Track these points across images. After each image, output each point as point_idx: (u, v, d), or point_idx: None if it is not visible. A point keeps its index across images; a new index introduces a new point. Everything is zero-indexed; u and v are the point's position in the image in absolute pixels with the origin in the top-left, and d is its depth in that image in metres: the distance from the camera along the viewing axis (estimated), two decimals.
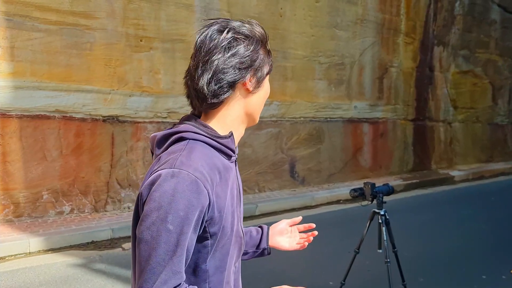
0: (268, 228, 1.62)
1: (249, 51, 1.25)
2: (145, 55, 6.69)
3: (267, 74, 1.31)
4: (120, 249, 5.37)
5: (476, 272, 4.58)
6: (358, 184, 8.85)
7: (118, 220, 6.12)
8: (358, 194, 3.40)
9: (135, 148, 6.71)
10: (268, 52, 1.31)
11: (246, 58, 1.24)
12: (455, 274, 4.54)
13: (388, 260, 3.17)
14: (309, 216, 7.04)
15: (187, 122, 1.27)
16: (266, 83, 1.33)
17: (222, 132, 1.28)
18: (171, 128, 1.27)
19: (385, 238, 3.22)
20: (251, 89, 1.28)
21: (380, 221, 3.29)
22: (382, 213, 3.29)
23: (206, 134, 1.24)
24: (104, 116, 6.43)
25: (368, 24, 9.35)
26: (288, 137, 8.32)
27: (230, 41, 1.24)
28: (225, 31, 1.25)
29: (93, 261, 4.93)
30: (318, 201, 7.82)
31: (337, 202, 7.95)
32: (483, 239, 5.76)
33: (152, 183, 1.15)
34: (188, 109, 1.37)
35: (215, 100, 1.24)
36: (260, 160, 7.96)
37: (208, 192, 1.15)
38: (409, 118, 10.46)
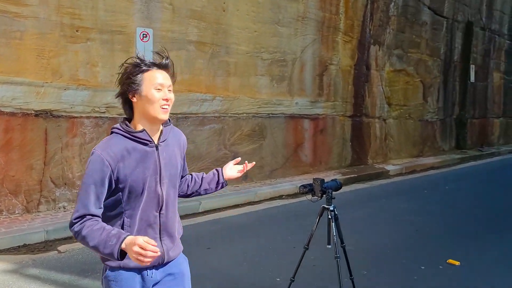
0: (221, 168, 2.32)
1: (125, 75, 1.92)
2: (82, 47, 6.34)
3: (147, 89, 1.89)
4: (56, 252, 5.05)
5: (415, 263, 4.77)
6: (299, 179, 8.97)
7: (52, 221, 5.76)
8: (307, 190, 3.40)
9: (71, 145, 6.35)
10: (153, 76, 1.91)
11: (124, 80, 1.92)
12: (395, 266, 4.69)
13: (338, 255, 3.21)
14: (252, 212, 7.03)
15: (119, 122, 1.98)
16: (148, 94, 1.88)
17: (140, 128, 1.93)
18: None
19: (334, 234, 3.24)
20: (134, 100, 1.92)
21: (329, 216, 3.32)
22: (331, 208, 3.32)
23: (122, 130, 1.92)
24: (36, 111, 6.02)
25: (309, 21, 9.48)
26: (231, 133, 8.26)
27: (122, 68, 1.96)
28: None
29: (26, 266, 4.60)
30: (261, 196, 7.83)
31: (280, 197, 8.01)
32: (419, 231, 6.03)
33: None
34: None
35: (123, 109, 2.00)
36: (203, 156, 7.84)
37: (109, 163, 1.84)
38: (347, 114, 10.76)
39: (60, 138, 6.24)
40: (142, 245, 1.64)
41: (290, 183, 8.65)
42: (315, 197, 3.27)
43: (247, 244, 5.36)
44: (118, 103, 2.08)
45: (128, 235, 1.75)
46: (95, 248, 1.78)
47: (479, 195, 8.50)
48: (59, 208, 6.24)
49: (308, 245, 3.48)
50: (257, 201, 7.68)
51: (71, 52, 6.23)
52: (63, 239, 5.38)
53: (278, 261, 4.73)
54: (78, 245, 5.04)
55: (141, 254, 1.64)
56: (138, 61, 1.91)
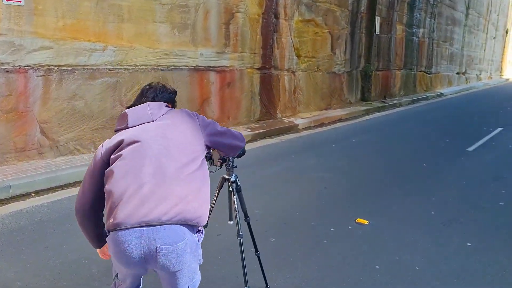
0: None
1: None
2: None
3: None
4: None
5: (325, 225, 4.53)
6: None
7: None
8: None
9: None
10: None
11: None
12: (305, 230, 4.41)
13: (241, 233, 2.75)
14: None
15: None
16: None
17: None
18: None
19: (236, 209, 2.77)
20: None
21: (230, 188, 2.83)
22: (232, 179, 2.82)
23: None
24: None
25: None
26: (127, 87, 7.39)
27: None
28: None
29: None
30: None
31: None
32: (328, 188, 5.83)
33: None
34: None
35: None
36: (96, 115, 6.93)
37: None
38: (256, 66, 10.26)
39: None
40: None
41: None
42: (213, 166, 2.73)
43: None
44: None
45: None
46: None
47: (383, 148, 8.60)
48: None
49: (207, 223, 2.97)
50: None
51: None
52: None
53: None
54: None
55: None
56: None
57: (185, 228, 1.97)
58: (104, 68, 6.97)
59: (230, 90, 9.56)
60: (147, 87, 2.39)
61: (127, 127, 2.13)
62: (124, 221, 1.89)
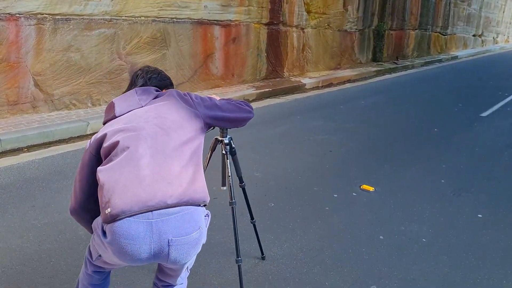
0: None
1: None
2: None
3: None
4: None
5: (328, 191, 4.29)
6: (209, 94, 8.11)
7: None
8: None
9: None
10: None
11: None
12: (306, 195, 4.18)
13: (234, 201, 2.51)
14: None
15: None
16: None
17: None
18: None
19: (229, 174, 2.52)
20: None
21: (223, 151, 2.56)
22: (226, 141, 2.55)
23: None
24: None
25: None
26: (126, 40, 7.02)
27: None
28: None
29: None
30: None
31: None
32: (333, 153, 5.56)
33: None
34: None
35: None
36: (93, 68, 6.62)
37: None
38: (263, 22, 9.78)
39: None
40: None
41: None
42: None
43: None
44: None
45: None
46: None
47: (393, 111, 8.25)
48: None
49: None
50: None
51: None
52: None
53: None
54: None
55: None
56: None
57: (197, 214, 1.74)
58: (101, 19, 6.59)
59: (235, 46, 9.14)
60: (138, 72, 2.13)
61: (114, 117, 1.90)
62: (125, 209, 1.62)
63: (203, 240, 1.83)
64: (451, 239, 3.45)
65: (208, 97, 2.07)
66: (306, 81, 10.41)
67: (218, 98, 2.19)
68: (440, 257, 3.17)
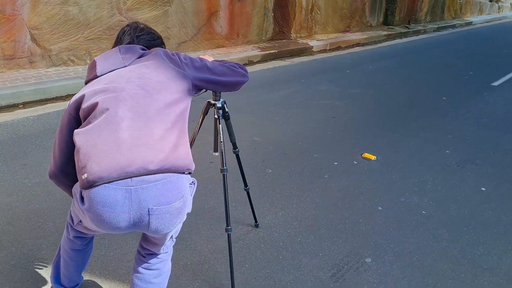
0: None
1: None
2: None
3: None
4: None
5: (328, 158, 4.17)
6: (212, 54, 7.89)
7: None
8: None
9: None
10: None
11: None
12: (305, 162, 4.06)
13: (225, 168, 2.39)
14: None
15: None
16: None
17: None
18: None
19: (221, 140, 2.39)
20: None
21: (216, 116, 2.42)
22: (219, 105, 2.41)
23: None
24: None
25: None
26: None
27: None
28: None
29: None
30: None
31: None
32: (337, 118, 5.41)
33: None
34: None
35: None
36: (91, 23, 6.40)
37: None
38: None
39: None
40: None
41: None
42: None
43: None
44: None
45: None
46: None
47: (401, 77, 8.01)
48: None
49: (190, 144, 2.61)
50: None
51: None
52: None
53: None
54: None
55: None
56: None
57: (181, 183, 1.62)
58: None
59: (240, 4, 8.82)
60: (125, 29, 1.97)
61: (96, 77, 1.76)
62: (102, 175, 1.51)
63: (188, 209, 1.73)
64: (451, 212, 3.34)
65: (199, 58, 1.92)
66: (314, 43, 10.11)
67: (211, 59, 2.04)
68: (439, 230, 3.08)
